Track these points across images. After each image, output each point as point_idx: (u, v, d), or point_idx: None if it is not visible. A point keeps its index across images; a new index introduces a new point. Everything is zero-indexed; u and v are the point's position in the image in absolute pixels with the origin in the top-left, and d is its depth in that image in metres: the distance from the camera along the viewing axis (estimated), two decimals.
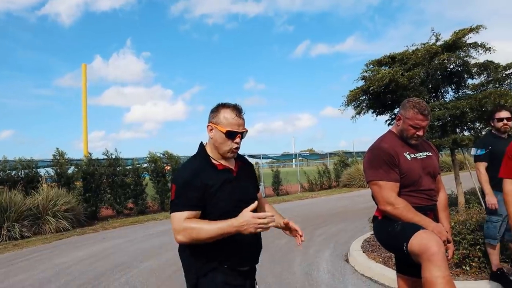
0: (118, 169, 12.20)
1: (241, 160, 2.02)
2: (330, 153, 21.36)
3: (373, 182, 2.36)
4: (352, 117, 6.49)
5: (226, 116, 1.83)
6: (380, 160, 2.34)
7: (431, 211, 2.43)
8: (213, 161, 1.87)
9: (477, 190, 5.81)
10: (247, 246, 1.85)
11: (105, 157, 12.20)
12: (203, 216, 1.78)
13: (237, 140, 1.85)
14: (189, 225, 1.70)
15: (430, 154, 2.49)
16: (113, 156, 12.25)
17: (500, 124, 3.83)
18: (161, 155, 13.66)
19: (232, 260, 1.81)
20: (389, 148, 2.35)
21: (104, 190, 11.84)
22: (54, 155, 11.29)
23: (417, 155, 2.41)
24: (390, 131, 2.55)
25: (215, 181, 1.80)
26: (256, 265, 2.00)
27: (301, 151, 29.94)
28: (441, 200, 2.55)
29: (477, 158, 3.92)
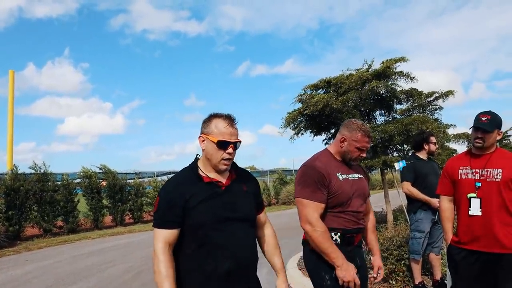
0: (48, 184, 11.39)
1: (239, 174, 1.90)
2: (270, 171, 21.71)
3: (298, 200, 2.32)
4: (291, 137, 6.70)
5: (218, 125, 1.77)
6: (309, 179, 2.30)
7: (357, 234, 2.40)
8: (200, 173, 1.80)
9: (404, 208, 6.22)
10: (225, 269, 1.72)
11: (33, 171, 11.33)
12: (181, 230, 1.73)
13: (230, 150, 1.77)
14: (159, 259, 1.68)
15: (361, 176, 2.48)
16: (42, 170, 11.41)
17: (435, 147, 4.24)
18: (98, 169, 13.04)
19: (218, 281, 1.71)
20: (321, 167, 2.31)
21: (30, 208, 10.91)
22: None
23: (350, 176, 2.38)
24: (326, 149, 2.51)
25: (198, 193, 1.73)
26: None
27: None
28: (370, 221, 2.57)
29: (403, 178, 4.24)
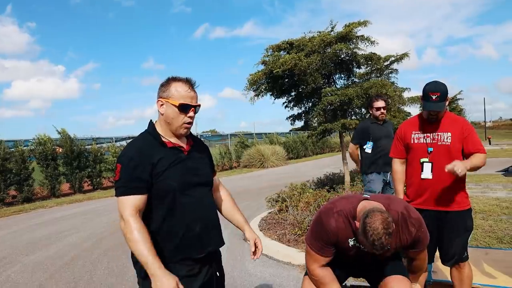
0: None
1: (194, 140, 1.91)
2: (231, 135, 21.73)
3: (307, 246, 2.23)
4: (251, 99, 6.68)
5: (178, 89, 1.74)
6: (318, 234, 2.15)
7: None
8: (162, 138, 1.76)
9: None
10: (197, 230, 1.75)
11: None
12: (149, 197, 1.68)
13: (191, 114, 1.76)
14: (132, 226, 1.59)
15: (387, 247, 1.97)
16: None
17: (378, 113, 4.32)
18: (57, 133, 12.49)
19: (183, 250, 1.72)
20: (332, 230, 2.08)
21: None
22: None
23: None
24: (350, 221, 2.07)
25: (164, 159, 1.70)
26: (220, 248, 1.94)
27: (204, 132, 29.90)
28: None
29: (352, 139, 4.47)
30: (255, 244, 2.03)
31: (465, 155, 2.61)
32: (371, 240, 1.84)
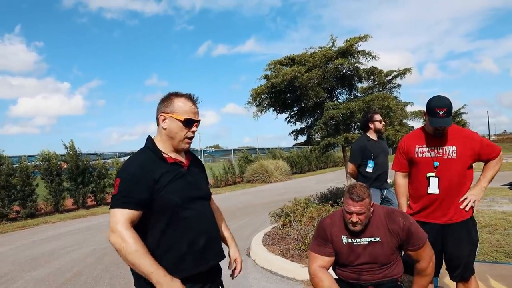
0: (1, 167, 10.83)
1: (191, 156, 1.93)
2: (235, 150, 21.79)
3: (309, 250, 2.45)
4: (254, 114, 6.72)
5: (183, 104, 1.77)
6: (316, 233, 2.42)
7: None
8: (162, 154, 1.76)
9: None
10: (202, 243, 1.74)
11: None
12: (149, 212, 1.66)
13: (194, 128, 1.80)
14: (126, 236, 1.55)
15: (377, 239, 2.27)
16: None
17: (381, 125, 4.34)
18: (64, 147, 12.57)
19: (184, 266, 1.69)
20: (327, 225, 2.36)
21: None
22: None
23: (356, 240, 2.27)
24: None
25: (166, 174, 1.70)
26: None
27: (207, 147, 29.97)
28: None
29: (351, 159, 4.46)
30: (235, 263, 2.04)
31: (485, 162, 2.64)
32: (349, 188, 2.26)
